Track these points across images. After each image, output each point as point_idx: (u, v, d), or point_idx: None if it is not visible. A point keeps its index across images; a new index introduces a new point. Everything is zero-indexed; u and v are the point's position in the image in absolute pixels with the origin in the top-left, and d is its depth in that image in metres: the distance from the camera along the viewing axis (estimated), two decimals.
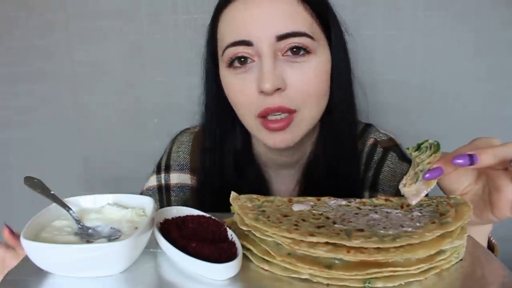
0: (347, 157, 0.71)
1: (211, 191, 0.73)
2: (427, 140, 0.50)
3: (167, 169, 0.79)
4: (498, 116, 1.01)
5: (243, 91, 0.63)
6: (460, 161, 0.45)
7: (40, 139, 1.10)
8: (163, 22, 1.01)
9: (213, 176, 0.73)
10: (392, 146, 0.75)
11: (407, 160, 0.74)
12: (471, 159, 0.45)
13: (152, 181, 0.80)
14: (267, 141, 0.65)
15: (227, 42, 0.63)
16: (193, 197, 0.77)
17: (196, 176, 0.77)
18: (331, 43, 0.65)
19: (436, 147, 0.48)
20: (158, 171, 0.81)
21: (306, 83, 0.62)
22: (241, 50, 0.61)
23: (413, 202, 0.47)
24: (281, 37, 0.60)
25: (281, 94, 0.61)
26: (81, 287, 0.41)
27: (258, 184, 0.74)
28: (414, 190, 0.47)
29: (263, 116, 0.62)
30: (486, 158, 0.45)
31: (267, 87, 0.59)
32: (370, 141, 0.75)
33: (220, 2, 0.66)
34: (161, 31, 1.02)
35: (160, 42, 1.02)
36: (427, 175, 0.47)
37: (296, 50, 0.61)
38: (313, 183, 0.72)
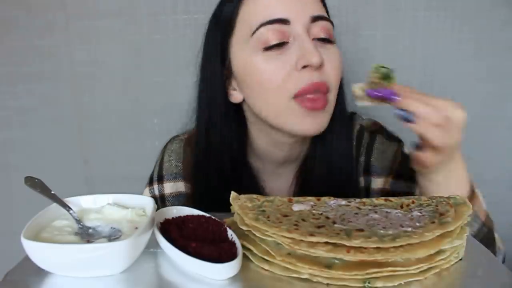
0: (343, 147, 0.72)
1: (205, 195, 0.72)
2: (389, 68, 0.57)
3: (160, 180, 0.79)
4: (498, 116, 1.01)
5: (280, 70, 0.61)
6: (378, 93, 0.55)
7: (40, 139, 1.10)
8: (163, 22, 1.01)
9: (209, 179, 0.72)
10: (377, 128, 0.78)
11: (394, 139, 0.76)
12: (392, 96, 0.54)
13: (146, 194, 0.80)
14: (299, 125, 0.63)
15: (261, 21, 0.61)
16: (189, 204, 0.76)
17: (190, 181, 0.76)
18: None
19: (383, 73, 0.56)
20: (150, 182, 0.80)
21: (336, 65, 0.64)
22: (276, 29, 0.61)
23: (357, 103, 0.57)
24: (315, 18, 0.62)
25: (320, 71, 0.62)
26: (81, 287, 0.42)
27: (252, 186, 0.73)
28: (358, 93, 0.57)
29: (302, 94, 0.61)
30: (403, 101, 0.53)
31: (315, 60, 0.59)
32: (357, 128, 0.77)
33: None
34: (161, 31, 1.02)
35: (160, 42, 1.02)
36: (368, 91, 0.56)
37: (325, 37, 0.63)
38: (310, 178, 0.72)
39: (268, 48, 0.61)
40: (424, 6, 0.95)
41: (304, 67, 0.60)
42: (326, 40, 0.64)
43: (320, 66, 0.61)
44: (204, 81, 0.71)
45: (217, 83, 0.68)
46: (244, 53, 0.64)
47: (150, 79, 1.05)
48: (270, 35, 0.61)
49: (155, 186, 0.79)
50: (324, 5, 0.67)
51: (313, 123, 0.63)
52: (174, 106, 1.04)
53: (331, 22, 0.65)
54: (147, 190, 0.80)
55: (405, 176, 0.71)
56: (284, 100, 0.62)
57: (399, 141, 0.76)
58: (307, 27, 0.62)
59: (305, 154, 0.74)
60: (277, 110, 0.64)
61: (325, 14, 0.65)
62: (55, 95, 1.07)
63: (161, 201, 0.78)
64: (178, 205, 0.76)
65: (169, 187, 0.78)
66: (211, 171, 0.72)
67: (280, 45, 0.61)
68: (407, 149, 0.76)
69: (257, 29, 0.62)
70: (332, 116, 0.68)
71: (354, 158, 0.75)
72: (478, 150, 1.03)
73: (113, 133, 1.09)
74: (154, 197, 0.79)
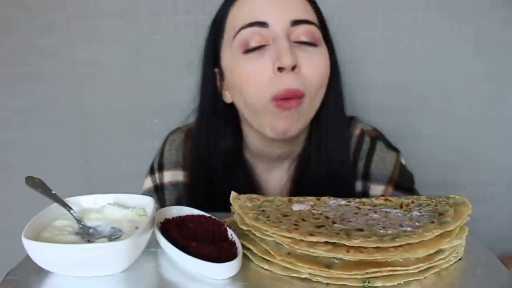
0: (338, 149, 0.72)
1: (202, 189, 0.73)
2: None
3: (160, 169, 0.80)
4: (498, 116, 1.01)
5: (258, 73, 0.62)
6: None
7: (41, 139, 1.10)
8: (163, 22, 1.01)
9: (204, 172, 0.74)
10: (378, 135, 0.78)
11: (393, 148, 0.77)
12: None
13: (148, 183, 0.81)
14: (272, 125, 0.64)
15: (242, 24, 0.63)
16: (187, 194, 0.77)
17: (188, 173, 0.78)
18: (328, 50, 0.68)
19: None
20: (151, 172, 0.81)
21: (316, 68, 0.64)
22: (256, 31, 0.62)
23: None
24: (295, 22, 0.63)
25: (297, 74, 0.62)
26: (82, 287, 0.42)
27: (247, 182, 0.74)
28: None
29: (277, 98, 0.62)
30: None
31: (286, 62, 0.60)
32: (357, 131, 0.77)
33: None
34: (161, 31, 1.02)
35: (160, 42, 1.02)
36: None
37: (307, 40, 0.63)
38: (305, 177, 0.73)
39: (247, 51, 0.63)
40: (423, 6, 0.95)
41: (280, 69, 0.61)
42: (308, 43, 0.64)
43: (295, 69, 0.61)
44: (201, 80, 0.74)
45: (209, 83, 0.71)
46: (228, 54, 0.66)
47: (150, 79, 1.05)
48: (249, 37, 0.63)
49: (156, 175, 0.80)
50: (315, 8, 0.67)
51: (284, 124, 0.63)
52: (174, 106, 1.04)
53: (317, 26, 0.65)
54: (148, 179, 0.81)
55: (405, 187, 0.73)
56: (263, 100, 0.63)
57: (397, 151, 0.77)
58: (287, 31, 0.63)
59: (300, 151, 0.74)
60: (257, 107, 0.65)
61: (308, 18, 0.65)
62: (55, 95, 1.07)
63: (160, 189, 0.79)
64: (176, 193, 0.78)
65: (169, 176, 0.79)
66: (206, 165, 0.73)
67: (259, 47, 0.63)
68: (403, 160, 0.77)
69: (238, 31, 0.64)
70: (327, 116, 0.69)
71: (351, 161, 0.75)
72: (478, 150, 1.03)
73: (113, 133, 1.09)
74: (155, 186, 0.80)
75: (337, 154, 0.72)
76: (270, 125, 0.65)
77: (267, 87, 0.62)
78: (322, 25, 0.68)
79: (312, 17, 0.66)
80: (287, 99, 0.62)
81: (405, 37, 0.98)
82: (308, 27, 0.64)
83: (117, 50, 1.04)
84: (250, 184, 0.74)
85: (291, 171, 0.75)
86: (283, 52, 0.60)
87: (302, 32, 0.63)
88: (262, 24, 0.62)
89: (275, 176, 0.77)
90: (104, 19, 1.02)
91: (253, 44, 0.63)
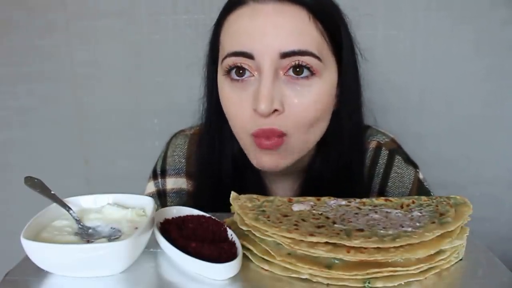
0: (351, 163, 0.68)
1: (207, 196, 0.71)
2: None
3: (163, 174, 0.78)
4: (498, 116, 1.01)
5: (239, 107, 0.59)
6: None
7: (40, 139, 1.10)
8: (163, 22, 1.01)
9: (210, 181, 0.71)
10: (396, 148, 0.73)
11: (411, 163, 0.73)
12: None
13: (151, 187, 0.79)
14: (256, 160, 0.62)
15: (228, 50, 0.59)
16: (190, 202, 0.75)
17: (193, 180, 0.76)
18: (342, 64, 0.62)
19: None
20: (154, 176, 0.79)
21: (304, 108, 0.58)
22: (241, 61, 0.58)
23: None
24: (285, 55, 0.56)
25: (277, 116, 0.57)
26: (81, 287, 0.42)
27: (256, 191, 0.72)
28: None
29: (257, 136, 0.59)
30: None
31: (262, 108, 0.55)
32: (373, 145, 0.73)
33: (226, 5, 0.62)
34: (161, 31, 1.02)
35: (160, 42, 1.02)
36: None
37: (299, 70, 0.57)
38: (313, 191, 0.70)
39: (231, 79, 0.59)
40: (424, 6, 0.95)
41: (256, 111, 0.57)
42: (304, 71, 0.57)
43: (275, 112, 0.57)
44: (205, 85, 0.70)
45: (214, 87, 0.66)
46: (220, 72, 0.63)
47: (150, 79, 1.05)
48: (234, 66, 0.58)
49: (159, 180, 0.78)
50: (322, 22, 0.58)
51: (267, 161, 0.61)
52: (174, 106, 1.04)
53: (314, 55, 0.57)
54: (151, 183, 0.79)
55: None
56: (244, 133, 0.61)
57: (415, 166, 0.73)
58: (275, 64, 0.56)
59: (307, 167, 0.70)
60: (239, 138, 0.63)
61: (303, 47, 0.56)
62: (55, 95, 1.07)
63: (163, 195, 0.78)
64: (179, 201, 0.77)
65: (171, 183, 0.78)
66: (213, 171, 0.71)
67: (242, 75, 0.58)
68: (421, 175, 0.73)
69: (225, 57, 0.59)
70: (339, 129, 0.65)
71: (366, 176, 0.71)
72: (478, 150, 1.04)
73: (113, 133, 1.09)
74: (158, 191, 0.78)
75: (349, 169, 0.67)
76: (256, 159, 0.62)
77: (247, 123, 0.59)
78: (333, 38, 0.60)
79: (309, 43, 0.57)
80: (266, 139, 0.58)
81: (406, 37, 0.98)
82: (302, 58, 0.56)
83: (116, 50, 1.04)
84: (259, 191, 0.72)
85: (302, 183, 0.71)
86: (261, 96, 0.55)
87: (294, 65, 0.56)
88: (248, 55, 0.57)
89: (283, 188, 0.73)
90: (103, 19, 1.02)
91: (237, 75, 0.59)
